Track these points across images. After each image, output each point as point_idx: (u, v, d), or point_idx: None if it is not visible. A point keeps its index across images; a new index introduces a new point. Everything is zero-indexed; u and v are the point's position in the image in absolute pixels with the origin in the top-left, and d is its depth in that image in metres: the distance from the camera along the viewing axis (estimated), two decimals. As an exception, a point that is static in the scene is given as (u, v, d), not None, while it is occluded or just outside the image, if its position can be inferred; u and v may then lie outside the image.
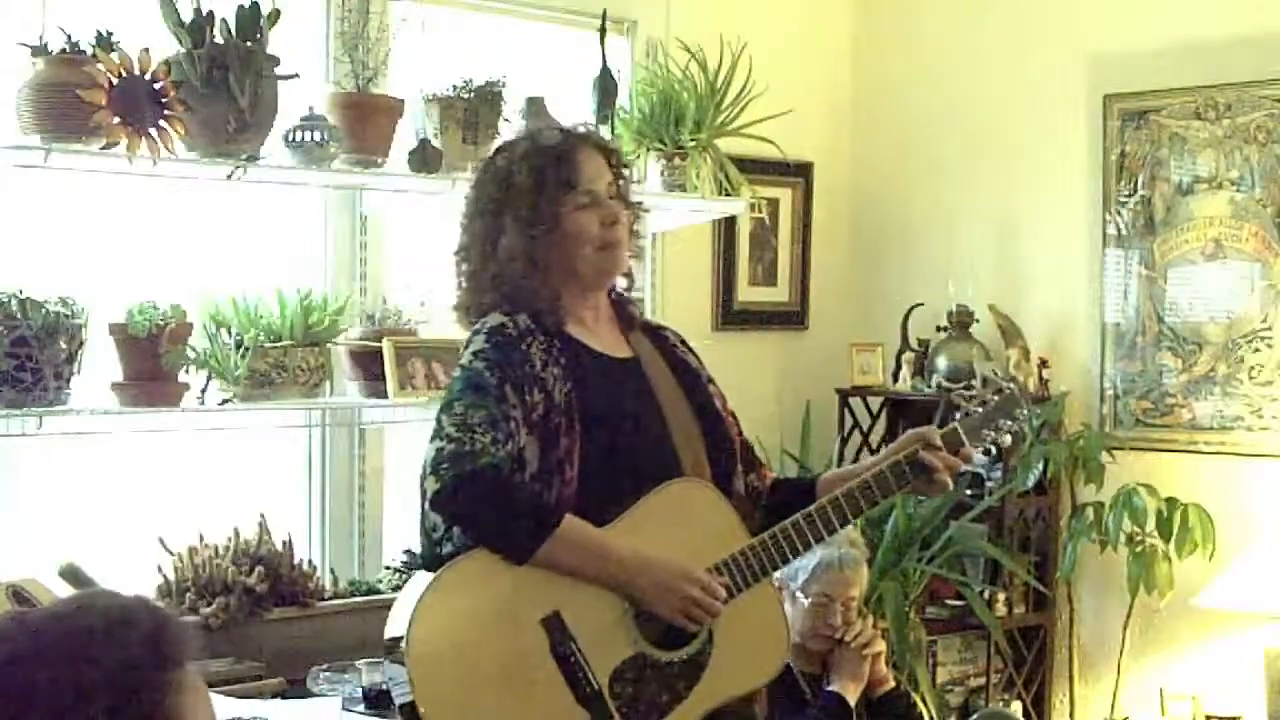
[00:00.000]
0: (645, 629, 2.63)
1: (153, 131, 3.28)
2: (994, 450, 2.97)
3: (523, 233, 2.70)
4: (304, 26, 3.93)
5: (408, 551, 3.95)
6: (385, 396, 3.79)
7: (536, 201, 2.70)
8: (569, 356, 2.68)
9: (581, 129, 2.88)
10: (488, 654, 2.54)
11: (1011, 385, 2.92)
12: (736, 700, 2.74)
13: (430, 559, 2.59)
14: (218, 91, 3.40)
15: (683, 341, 2.95)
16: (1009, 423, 2.90)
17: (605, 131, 4.19)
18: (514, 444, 2.57)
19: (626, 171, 2.84)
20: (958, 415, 2.90)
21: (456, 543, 2.56)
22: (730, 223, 5.01)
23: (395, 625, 2.58)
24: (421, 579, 2.59)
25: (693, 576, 2.61)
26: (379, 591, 3.96)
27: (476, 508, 2.54)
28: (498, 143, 3.13)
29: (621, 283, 2.87)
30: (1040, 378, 4.93)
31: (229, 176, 3.52)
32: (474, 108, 3.95)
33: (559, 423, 2.61)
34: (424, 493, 2.56)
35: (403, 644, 2.52)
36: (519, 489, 2.57)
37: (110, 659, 1.37)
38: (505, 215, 2.73)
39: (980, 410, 2.89)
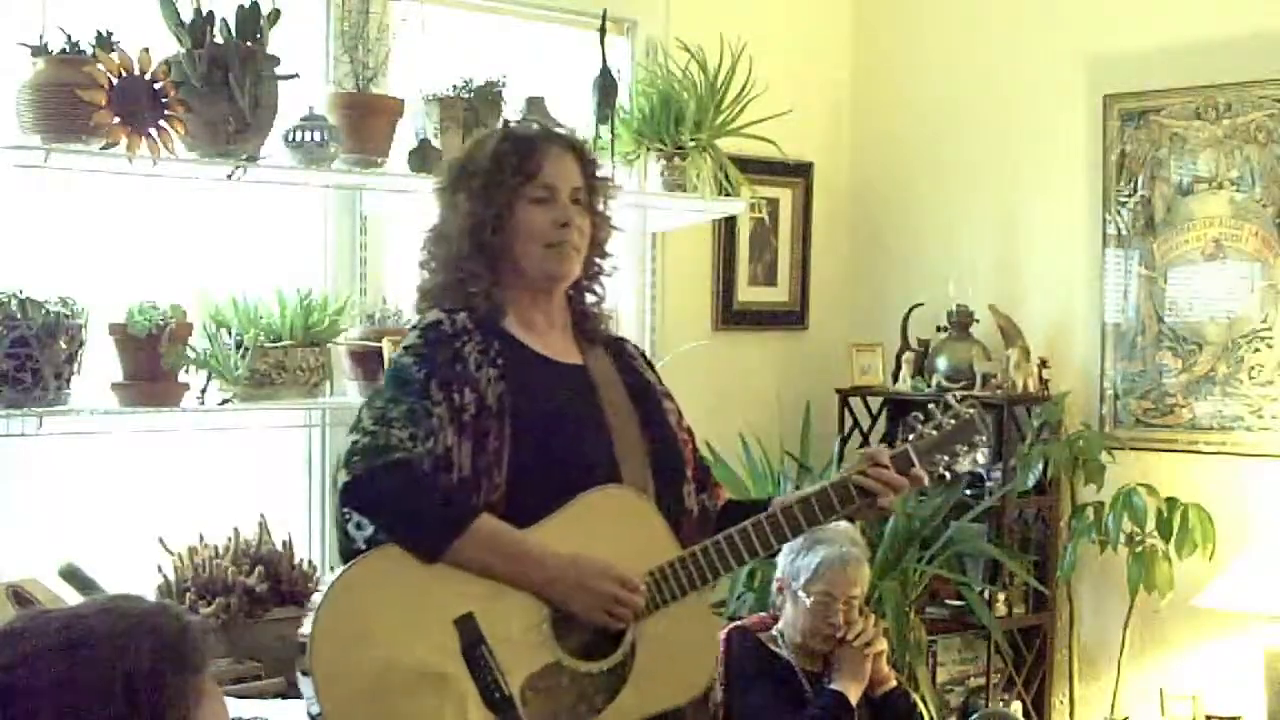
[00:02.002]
0: (565, 638, 2.52)
1: (153, 131, 3.29)
2: (948, 475, 2.80)
3: (472, 213, 2.63)
4: (304, 26, 3.93)
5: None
6: (385, 396, 3.79)
7: (490, 184, 2.62)
8: (507, 358, 2.57)
9: (563, 130, 2.81)
10: (396, 654, 2.43)
11: (971, 411, 2.77)
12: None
13: (346, 554, 2.51)
14: (218, 91, 3.40)
15: (643, 355, 2.85)
16: (965, 448, 2.75)
17: (604, 134, 4.20)
18: (437, 442, 2.48)
19: (601, 184, 2.73)
20: (910, 436, 2.75)
21: (372, 537, 2.47)
22: (730, 223, 5.00)
23: (305, 624, 2.48)
24: (333, 575, 2.51)
25: (611, 574, 2.50)
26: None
27: (386, 502, 2.47)
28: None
29: (589, 298, 2.76)
30: (1040, 378, 4.93)
31: (229, 176, 3.52)
32: (474, 108, 3.95)
33: (490, 425, 2.51)
34: (335, 484, 2.50)
35: (307, 647, 2.43)
36: (430, 485, 2.48)
37: (129, 662, 1.38)
38: (460, 193, 2.66)
39: (935, 433, 2.74)
